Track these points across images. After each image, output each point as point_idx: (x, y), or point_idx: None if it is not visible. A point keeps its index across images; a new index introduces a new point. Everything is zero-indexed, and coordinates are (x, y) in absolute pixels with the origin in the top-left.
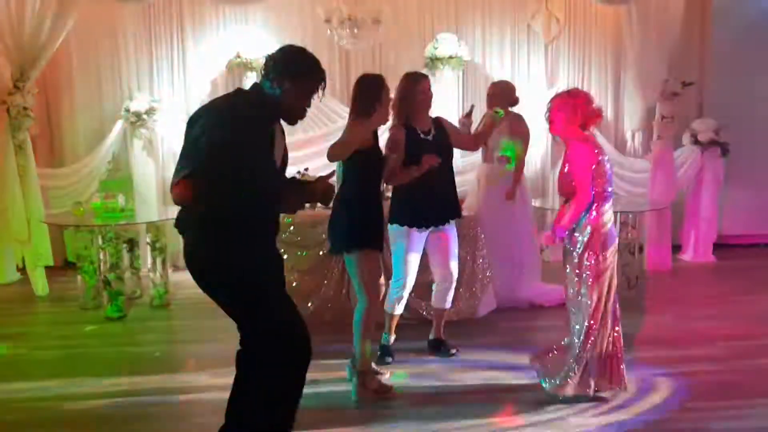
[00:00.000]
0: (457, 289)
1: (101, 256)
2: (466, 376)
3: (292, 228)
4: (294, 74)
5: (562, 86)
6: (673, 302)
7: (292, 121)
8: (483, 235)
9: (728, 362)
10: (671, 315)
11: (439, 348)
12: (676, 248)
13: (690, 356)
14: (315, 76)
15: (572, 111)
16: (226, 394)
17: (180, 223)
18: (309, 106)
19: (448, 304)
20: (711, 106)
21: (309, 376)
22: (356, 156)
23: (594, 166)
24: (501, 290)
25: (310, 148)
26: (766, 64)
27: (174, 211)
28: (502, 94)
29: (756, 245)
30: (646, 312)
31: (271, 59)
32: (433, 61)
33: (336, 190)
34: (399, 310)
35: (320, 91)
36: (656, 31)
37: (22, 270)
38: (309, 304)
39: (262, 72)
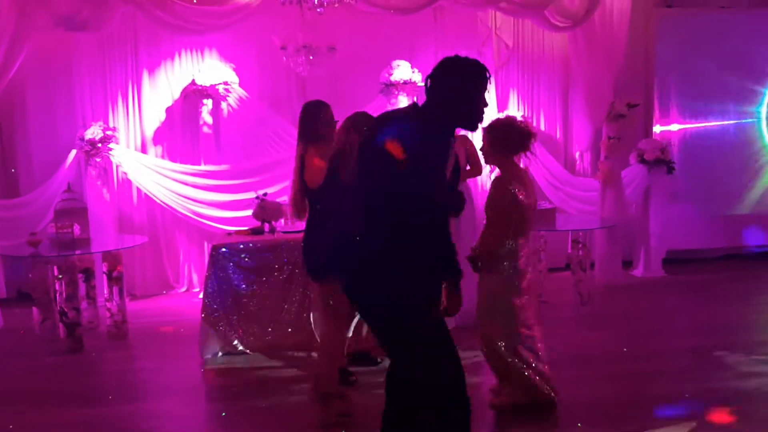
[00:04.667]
0: None
1: (57, 287)
2: None
3: (244, 255)
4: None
5: (512, 110)
6: (624, 317)
7: None
8: None
9: (678, 374)
10: (622, 329)
11: (365, 359)
12: (627, 264)
13: (640, 369)
14: None
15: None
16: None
17: None
18: None
19: None
20: (657, 126)
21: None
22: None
23: None
24: None
25: (268, 173)
26: (709, 85)
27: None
28: None
29: (704, 259)
30: (597, 327)
31: None
32: (388, 87)
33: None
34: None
35: None
36: (602, 55)
37: None
38: (269, 329)
39: None
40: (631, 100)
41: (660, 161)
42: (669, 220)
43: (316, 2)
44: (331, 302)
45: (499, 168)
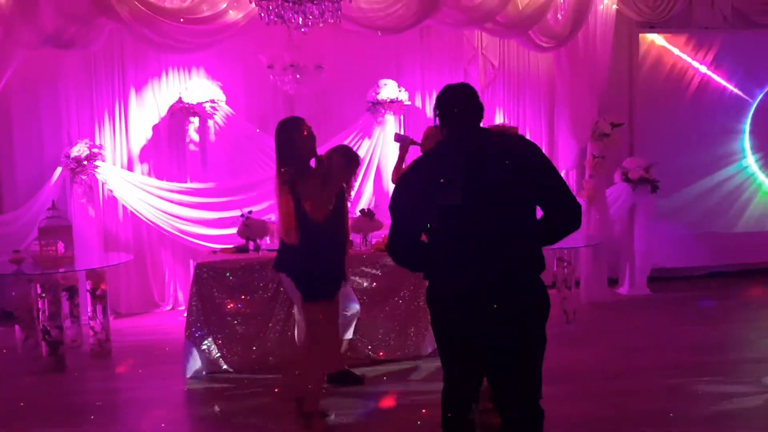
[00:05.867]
0: (407, 328)
1: (40, 305)
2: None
3: (229, 274)
4: None
5: None
6: (609, 335)
7: None
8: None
9: (662, 392)
10: (607, 347)
11: (346, 379)
12: (613, 282)
13: (625, 387)
14: None
15: None
16: None
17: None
18: None
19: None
20: (641, 145)
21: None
22: None
23: None
24: None
25: (254, 191)
26: (690, 105)
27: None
28: (436, 137)
29: (689, 277)
30: (582, 345)
31: None
32: (375, 106)
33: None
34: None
35: None
36: (586, 74)
37: None
38: (253, 347)
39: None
40: (614, 120)
41: (644, 180)
42: (654, 238)
43: (300, 22)
44: (318, 322)
45: None
